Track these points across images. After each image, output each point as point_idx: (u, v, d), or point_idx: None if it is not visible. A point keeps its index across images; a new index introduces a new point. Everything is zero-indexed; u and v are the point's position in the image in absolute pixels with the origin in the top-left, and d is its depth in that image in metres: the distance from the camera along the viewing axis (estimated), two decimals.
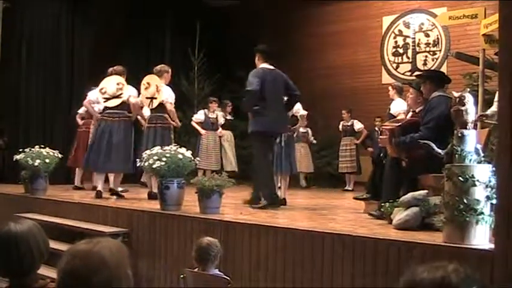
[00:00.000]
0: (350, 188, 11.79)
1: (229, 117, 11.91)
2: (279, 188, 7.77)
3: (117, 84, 8.18)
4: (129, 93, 8.19)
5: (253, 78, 6.96)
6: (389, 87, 9.33)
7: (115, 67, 8.39)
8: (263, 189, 6.97)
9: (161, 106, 7.99)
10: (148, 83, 8.03)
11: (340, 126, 12.27)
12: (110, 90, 8.17)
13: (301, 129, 12.40)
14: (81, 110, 9.86)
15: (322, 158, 12.88)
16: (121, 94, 8.14)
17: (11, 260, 2.36)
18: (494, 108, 5.87)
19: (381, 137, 6.07)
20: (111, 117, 8.12)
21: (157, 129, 7.93)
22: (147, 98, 8.02)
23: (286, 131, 7.58)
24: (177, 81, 11.01)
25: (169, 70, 8.34)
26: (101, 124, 8.22)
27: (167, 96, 8.05)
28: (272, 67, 7.21)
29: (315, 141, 12.68)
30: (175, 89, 8.73)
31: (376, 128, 11.26)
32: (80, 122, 9.92)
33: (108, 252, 1.71)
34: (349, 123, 12.18)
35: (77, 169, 9.83)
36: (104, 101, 8.16)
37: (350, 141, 12.10)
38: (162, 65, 8.40)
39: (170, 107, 8.08)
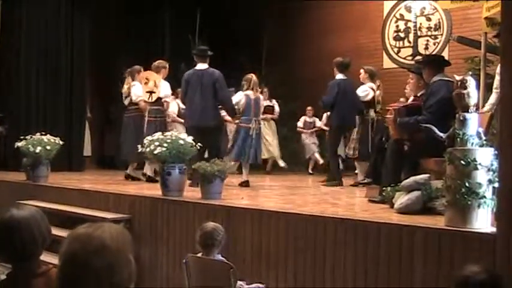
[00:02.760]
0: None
1: None
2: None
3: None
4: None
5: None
6: (361, 70, 9.31)
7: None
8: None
9: (159, 100, 8.67)
10: (147, 78, 8.66)
11: None
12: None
13: (308, 119, 12.43)
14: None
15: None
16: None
17: (13, 246, 2.37)
18: (492, 100, 5.86)
19: (387, 116, 6.07)
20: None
21: (156, 122, 8.51)
22: (146, 92, 8.60)
23: (210, 123, 7.96)
24: (178, 67, 10.96)
25: (167, 65, 9.00)
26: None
27: (166, 93, 8.77)
28: (204, 67, 8.02)
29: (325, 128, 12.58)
30: (176, 76, 8.87)
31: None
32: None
33: (108, 236, 1.71)
34: None
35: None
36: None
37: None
38: (160, 61, 9.04)
39: (167, 105, 8.98)
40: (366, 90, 9.00)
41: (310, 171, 12.40)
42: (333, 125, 8.81)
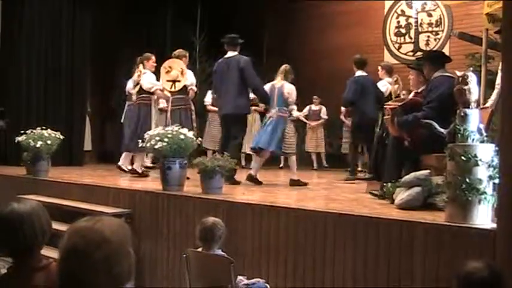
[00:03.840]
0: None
1: None
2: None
3: None
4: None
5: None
6: (379, 67, 9.45)
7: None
8: None
9: (183, 89, 8.38)
10: (170, 67, 8.39)
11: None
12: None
13: (314, 107, 12.50)
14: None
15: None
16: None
17: (14, 240, 2.37)
18: (494, 96, 5.85)
19: (385, 117, 6.07)
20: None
21: (181, 111, 8.32)
22: (168, 80, 8.35)
23: (233, 112, 7.75)
24: None
25: (187, 54, 8.86)
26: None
27: (192, 81, 8.60)
28: (232, 54, 7.87)
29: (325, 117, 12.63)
30: None
31: None
32: None
33: (108, 230, 1.71)
34: None
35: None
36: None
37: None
38: (180, 50, 8.83)
39: (192, 93, 8.65)
40: (385, 85, 9.14)
41: (314, 167, 12.43)
42: (355, 121, 8.85)
